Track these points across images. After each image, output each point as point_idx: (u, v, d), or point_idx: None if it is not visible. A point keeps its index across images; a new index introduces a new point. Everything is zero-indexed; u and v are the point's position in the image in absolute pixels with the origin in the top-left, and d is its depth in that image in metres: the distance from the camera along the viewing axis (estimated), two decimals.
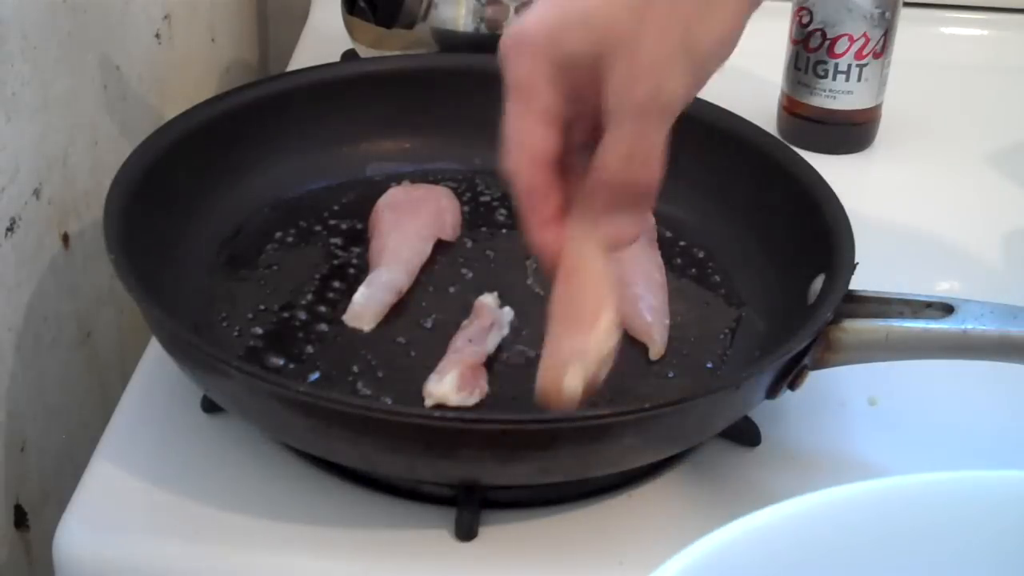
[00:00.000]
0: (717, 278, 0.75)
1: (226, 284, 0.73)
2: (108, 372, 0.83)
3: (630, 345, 0.69)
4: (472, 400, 0.64)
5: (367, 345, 0.68)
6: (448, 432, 0.58)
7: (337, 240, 0.76)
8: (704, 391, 0.59)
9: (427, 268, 0.74)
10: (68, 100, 0.75)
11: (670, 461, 0.65)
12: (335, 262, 0.75)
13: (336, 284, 0.73)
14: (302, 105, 0.81)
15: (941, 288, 0.76)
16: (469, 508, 0.61)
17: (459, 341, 0.67)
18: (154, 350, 0.71)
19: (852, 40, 0.90)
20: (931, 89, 1.04)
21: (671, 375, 0.68)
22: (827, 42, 0.91)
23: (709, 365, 0.69)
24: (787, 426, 0.68)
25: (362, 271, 0.73)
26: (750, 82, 1.02)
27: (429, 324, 0.70)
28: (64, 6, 0.74)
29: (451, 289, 0.73)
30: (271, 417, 0.61)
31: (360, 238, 0.76)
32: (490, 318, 0.69)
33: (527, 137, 0.52)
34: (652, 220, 0.78)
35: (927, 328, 0.62)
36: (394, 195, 0.78)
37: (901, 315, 0.64)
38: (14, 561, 0.71)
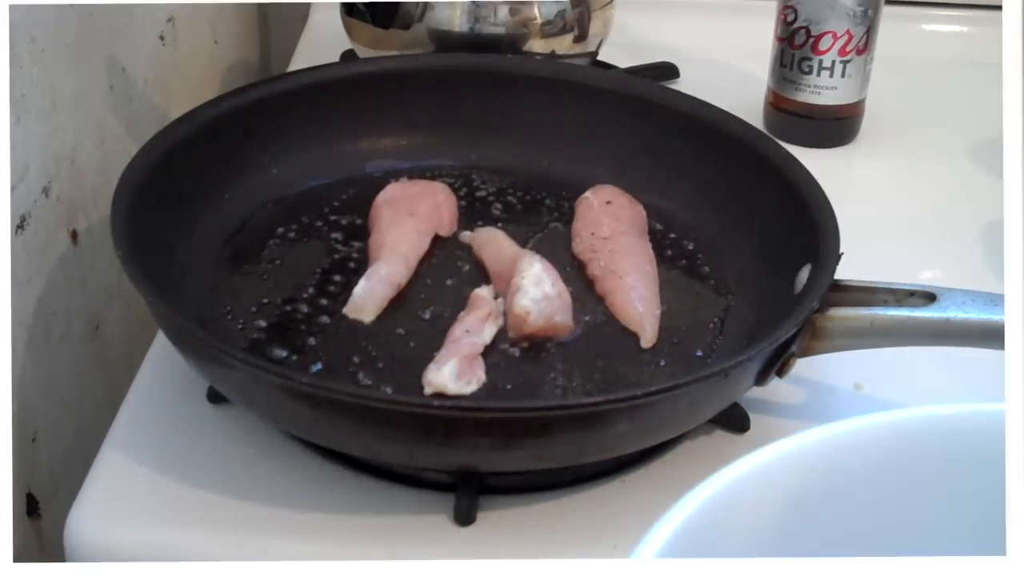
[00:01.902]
0: (706, 269, 0.76)
1: (230, 279, 0.73)
2: (116, 365, 0.82)
3: (622, 334, 0.70)
4: (470, 389, 0.64)
5: (367, 337, 0.68)
6: (447, 420, 0.58)
7: (338, 235, 0.77)
8: (694, 379, 0.59)
9: (425, 262, 0.74)
10: (75, 101, 0.75)
11: (662, 447, 0.65)
12: (336, 256, 0.75)
13: (337, 278, 0.73)
14: (303, 104, 0.81)
15: (924, 277, 0.75)
16: (467, 494, 0.61)
17: (457, 332, 0.67)
18: (161, 343, 0.71)
19: (836, 37, 0.90)
20: (913, 84, 1.05)
21: (662, 363, 0.68)
22: (811, 39, 0.91)
23: (699, 353, 0.69)
24: (775, 412, 0.69)
25: (362, 265, 0.73)
26: (737, 78, 1.02)
27: (427, 316, 0.70)
28: (71, 10, 0.74)
29: (448, 282, 0.73)
30: (275, 407, 0.62)
31: (360, 233, 0.76)
32: (486, 309, 0.69)
33: None
34: (643, 213, 0.78)
35: (911, 316, 0.63)
36: (393, 191, 0.78)
37: (885, 303, 0.65)
38: (26, 548, 0.71)
